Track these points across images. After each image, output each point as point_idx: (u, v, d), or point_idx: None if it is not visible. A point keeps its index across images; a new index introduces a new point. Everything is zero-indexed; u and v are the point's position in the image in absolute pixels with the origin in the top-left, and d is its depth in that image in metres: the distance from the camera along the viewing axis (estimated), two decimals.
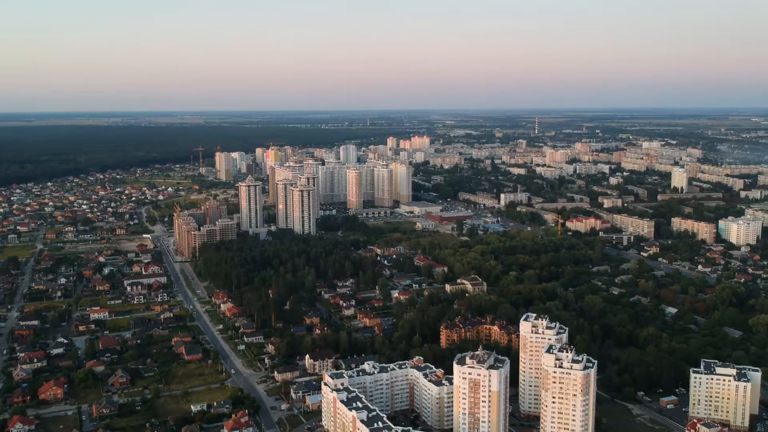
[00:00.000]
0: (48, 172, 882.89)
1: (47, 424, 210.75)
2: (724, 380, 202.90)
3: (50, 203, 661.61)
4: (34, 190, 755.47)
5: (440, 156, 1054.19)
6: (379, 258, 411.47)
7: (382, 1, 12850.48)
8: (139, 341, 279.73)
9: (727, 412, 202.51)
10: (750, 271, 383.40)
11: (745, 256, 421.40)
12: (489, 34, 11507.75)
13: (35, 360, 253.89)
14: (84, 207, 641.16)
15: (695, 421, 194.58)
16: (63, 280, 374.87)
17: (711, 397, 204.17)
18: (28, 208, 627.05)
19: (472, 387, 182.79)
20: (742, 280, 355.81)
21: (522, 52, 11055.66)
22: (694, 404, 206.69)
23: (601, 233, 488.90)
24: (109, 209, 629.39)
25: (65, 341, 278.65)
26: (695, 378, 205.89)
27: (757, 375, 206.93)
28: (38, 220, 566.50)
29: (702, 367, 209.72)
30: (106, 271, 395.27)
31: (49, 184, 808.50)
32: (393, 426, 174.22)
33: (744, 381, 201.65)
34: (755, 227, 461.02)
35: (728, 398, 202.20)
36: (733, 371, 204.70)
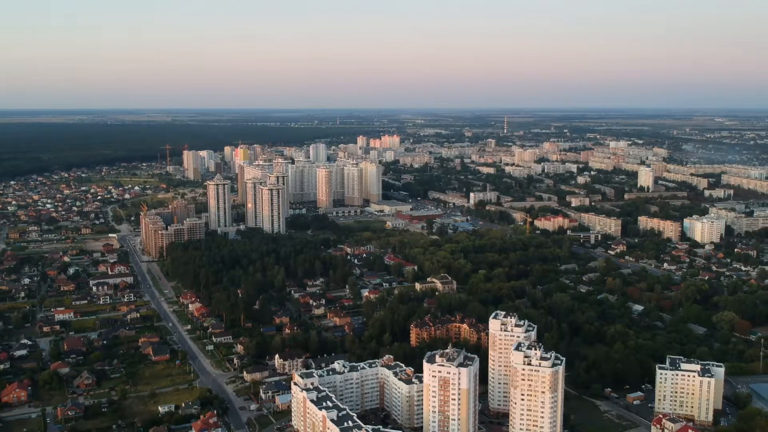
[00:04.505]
0: (11, 170, 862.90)
1: (10, 427, 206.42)
2: (688, 376, 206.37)
3: (13, 202, 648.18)
4: None
5: (410, 155, 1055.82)
6: (349, 257, 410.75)
7: (350, 1, 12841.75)
8: (105, 342, 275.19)
9: (692, 407, 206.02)
10: (714, 268, 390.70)
11: (709, 254, 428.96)
12: (457, 35, 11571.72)
13: None
14: (48, 206, 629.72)
15: (661, 416, 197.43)
16: (27, 281, 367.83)
17: (676, 392, 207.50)
18: None
19: (442, 385, 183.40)
20: (706, 278, 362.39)
21: (490, 52, 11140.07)
22: (659, 400, 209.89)
23: (569, 232, 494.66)
24: (74, 208, 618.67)
25: (29, 342, 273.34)
26: (661, 374, 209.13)
27: (720, 370, 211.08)
28: (1, 220, 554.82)
29: (667, 363, 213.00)
30: (71, 271, 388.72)
31: (12, 182, 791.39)
32: (363, 425, 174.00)
33: (708, 377, 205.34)
34: (719, 226, 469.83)
35: (693, 393, 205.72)
36: (698, 367, 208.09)
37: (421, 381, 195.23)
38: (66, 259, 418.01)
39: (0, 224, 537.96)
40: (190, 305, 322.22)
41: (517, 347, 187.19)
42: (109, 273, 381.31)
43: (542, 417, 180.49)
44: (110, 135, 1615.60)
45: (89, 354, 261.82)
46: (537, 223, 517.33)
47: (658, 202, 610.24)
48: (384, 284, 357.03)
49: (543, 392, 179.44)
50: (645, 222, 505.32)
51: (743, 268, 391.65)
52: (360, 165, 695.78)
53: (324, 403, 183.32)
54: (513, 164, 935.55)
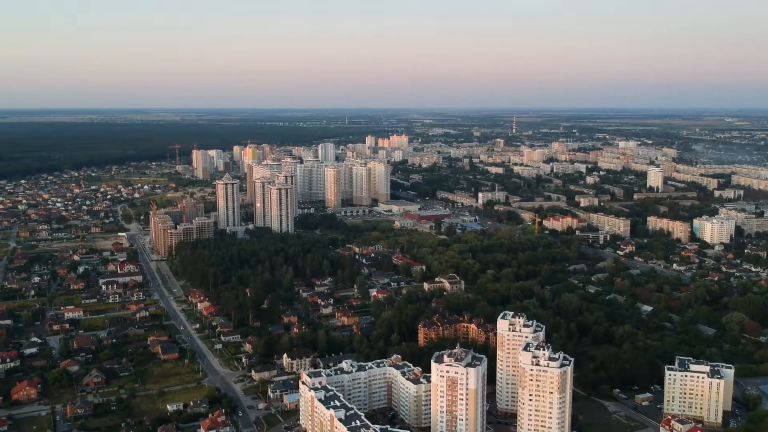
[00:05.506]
0: (21, 169, 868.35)
1: (20, 424, 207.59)
2: (697, 377, 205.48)
3: (24, 201, 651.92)
4: (7, 188, 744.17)
5: (419, 155, 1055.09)
6: (357, 257, 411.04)
7: (359, 1, 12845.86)
8: (114, 341, 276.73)
9: (701, 408, 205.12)
10: (723, 269, 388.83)
11: (719, 254, 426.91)
12: (466, 34, 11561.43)
13: (8, 360, 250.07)
14: (58, 205, 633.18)
15: (670, 417, 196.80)
16: (37, 279, 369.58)
17: (685, 393, 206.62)
18: (0, 206, 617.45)
19: (450, 385, 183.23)
20: (716, 279, 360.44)
21: (499, 52, 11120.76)
22: (668, 401, 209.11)
23: (577, 232, 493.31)
24: (84, 207, 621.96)
25: (39, 341, 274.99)
26: (670, 375, 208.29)
27: (729, 372, 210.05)
28: (11, 218, 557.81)
29: (676, 364, 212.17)
30: (80, 269, 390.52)
31: (22, 181, 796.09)
32: (371, 424, 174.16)
33: (717, 378, 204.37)
34: (729, 226, 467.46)
35: (702, 395, 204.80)
36: (707, 368, 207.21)
37: (428, 381, 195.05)
38: (76, 257, 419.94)
39: (10, 223, 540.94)
40: (198, 304, 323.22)
41: (526, 347, 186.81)
42: (119, 272, 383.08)
43: (550, 417, 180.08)
44: (120, 134, 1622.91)
45: (98, 352, 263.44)
46: (546, 223, 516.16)
47: (667, 203, 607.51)
48: (392, 284, 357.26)
49: (551, 393, 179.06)
50: (654, 222, 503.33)
51: (753, 269, 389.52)
52: (368, 165, 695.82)
53: (332, 403, 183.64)
54: (522, 164, 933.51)
